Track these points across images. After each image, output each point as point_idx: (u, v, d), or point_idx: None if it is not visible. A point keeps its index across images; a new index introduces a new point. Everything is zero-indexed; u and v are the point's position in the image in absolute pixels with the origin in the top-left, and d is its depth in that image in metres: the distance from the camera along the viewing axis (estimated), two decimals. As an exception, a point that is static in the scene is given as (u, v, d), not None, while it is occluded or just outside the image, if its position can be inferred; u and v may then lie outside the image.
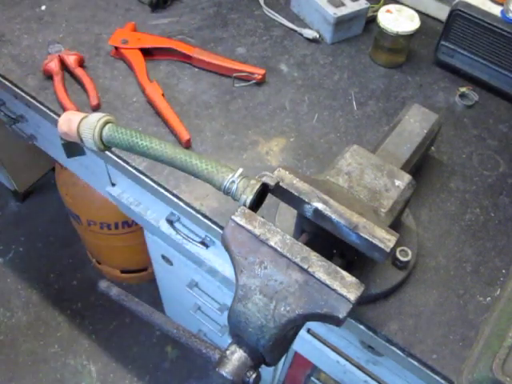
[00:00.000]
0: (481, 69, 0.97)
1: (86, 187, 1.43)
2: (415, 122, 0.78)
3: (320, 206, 0.58)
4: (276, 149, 0.88)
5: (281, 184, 0.60)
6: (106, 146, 0.66)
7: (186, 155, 0.61)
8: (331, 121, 0.93)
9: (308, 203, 0.59)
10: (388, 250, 0.55)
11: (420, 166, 0.83)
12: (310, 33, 1.05)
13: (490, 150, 0.91)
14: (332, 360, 0.94)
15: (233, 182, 0.59)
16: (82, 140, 0.65)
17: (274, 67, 1.01)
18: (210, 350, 0.57)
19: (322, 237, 0.62)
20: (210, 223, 0.80)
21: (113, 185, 1.09)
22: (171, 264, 1.19)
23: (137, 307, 0.62)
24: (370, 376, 0.91)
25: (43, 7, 1.08)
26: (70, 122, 0.65)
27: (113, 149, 0.85)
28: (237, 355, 0.55)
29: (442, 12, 1.07)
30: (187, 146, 0.86)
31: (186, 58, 0.99)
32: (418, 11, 1.01)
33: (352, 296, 0.52)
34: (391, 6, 0.98)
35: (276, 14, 1.10)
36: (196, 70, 0.99)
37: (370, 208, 0.63)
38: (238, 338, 0.57)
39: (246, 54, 1.02)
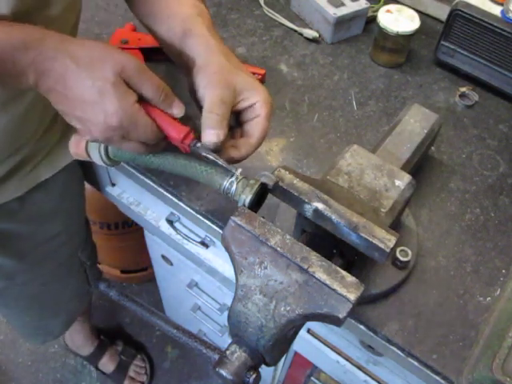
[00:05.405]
0: (481, 69, 0.97)
1: (86, 187, 1.43)
2: (415, 122, 0.78)
3: (320, 206, 0.58)
4: (276, 149, 0.88)
5: (280, 184, 0.60)
6: (113, 161, 0.67)
7: (185, 159, 0.62)
8: (331, 121, 0.93)
9: (308, 203, 0.59)
10: (388, 250, 0.55)
11: (420, 166, 0.83)
12: (310, 33, 1.05)
13: (490, 149, 0.91)
14: (332, 360, 0.94)
15: (232, 182, 0.59)
16: (90, 157, 0.67)
17: (274, 67, 1.01)
18: (209, 350, 0.57)
19: (321, 237, 0.62)
20: (209, 223, 0.80)
21: (113, 185, 1.09)
22: (171, 264, 1.19)
23: (137, 307, 0.62)
24: (370, 376, 0.91)
25: (43, 7, 1.08)
26: (79, 142, 0.66)
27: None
28: (237, 355, 0.55)
29: (442, 12, 1.07)
30: (187, 146, 0.86)
31: (186, 58, 0.99)
32: (418, 11, 1.01)
33: (352, 296, 0.52)
34: (391, 6, 0.98)
35: (276, 14, 1.10)
36: (196, 70, 0.99)
37: (370, 208, 0.63)
38: (238, 338, 0.57)
39: (246, 54, 1.02)
